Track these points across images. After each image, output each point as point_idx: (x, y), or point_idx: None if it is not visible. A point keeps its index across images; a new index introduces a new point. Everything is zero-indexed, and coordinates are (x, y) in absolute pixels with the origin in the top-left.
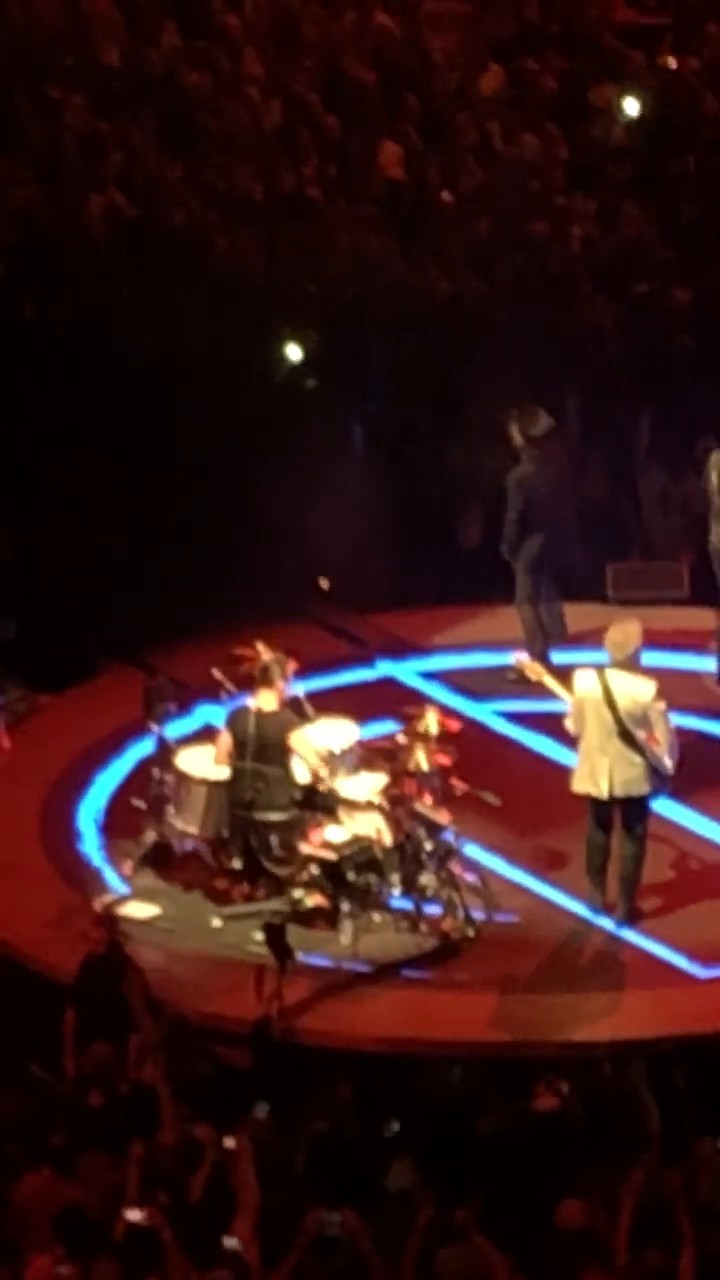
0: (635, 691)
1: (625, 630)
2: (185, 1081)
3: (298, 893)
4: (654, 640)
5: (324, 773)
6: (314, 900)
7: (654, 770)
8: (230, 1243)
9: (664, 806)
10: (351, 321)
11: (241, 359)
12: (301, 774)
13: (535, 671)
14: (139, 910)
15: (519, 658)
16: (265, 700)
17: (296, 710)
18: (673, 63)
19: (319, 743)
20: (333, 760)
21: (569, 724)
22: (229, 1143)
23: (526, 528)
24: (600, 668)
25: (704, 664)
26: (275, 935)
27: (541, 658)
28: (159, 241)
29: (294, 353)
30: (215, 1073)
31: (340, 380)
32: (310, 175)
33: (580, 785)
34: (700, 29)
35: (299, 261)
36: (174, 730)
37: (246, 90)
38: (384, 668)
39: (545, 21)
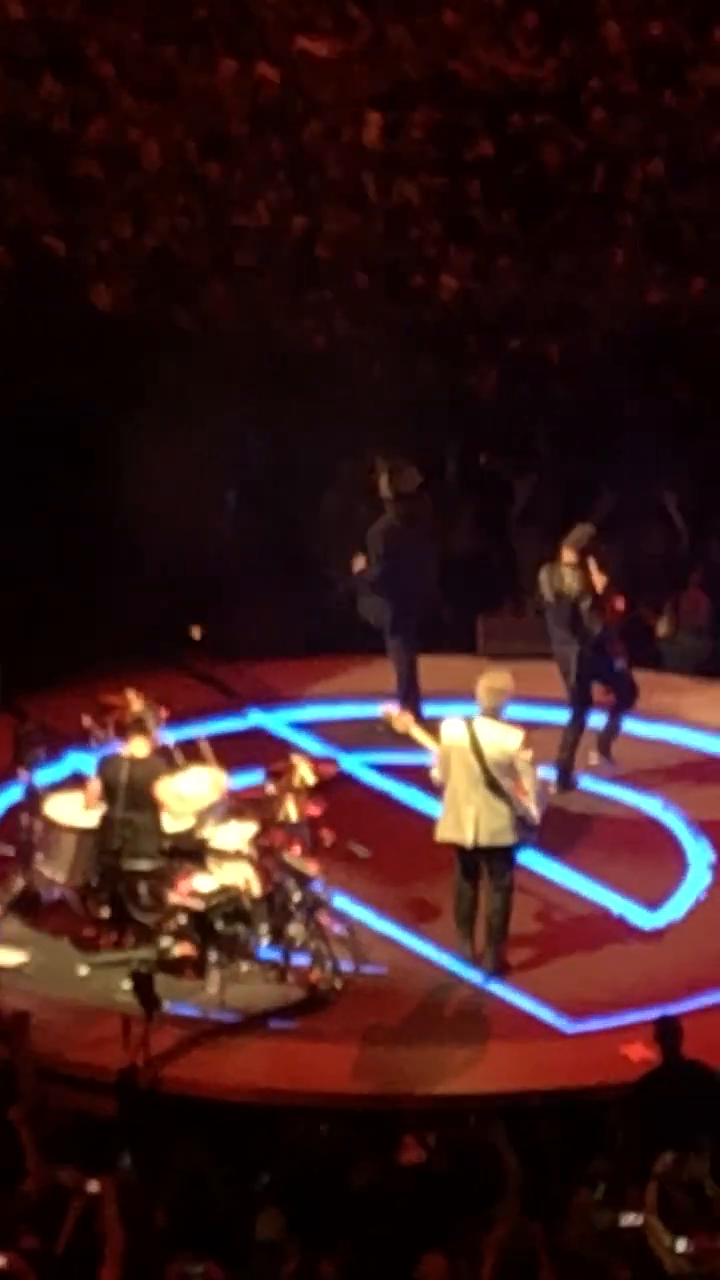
0: (502, 741)
1: (495, 681)
2: (49, 1127)
3: (165, 942)
4: (522, 694)
5: (191, 822)
6: (181, 949)
7: (520, 820)
8: None
9: (531, 859)
10: (229, 369)
11: (116, 403)
12: (171, 823)
13: (402, 723)
14: (5, 957)
15: (387, 709)
16: (137, 748)
17: (166, 759)
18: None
19: (187, 792)
20: (202, 810)
21: (435, 773)
22: (94, 1188)
23: (387, 582)
24: (468, 718)
25: (568, 718)
26: (143, 984)
27: (414, 709)
28: (36, 287)
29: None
30: (79, 1120)
31: (216, 427)
32: (187, 224)
33: (445, 834)
34: (581, 83)
35: (173, 307)
36: (43, 777)
37: (125, 137)
38: (255, 717)
39: (423, 74)
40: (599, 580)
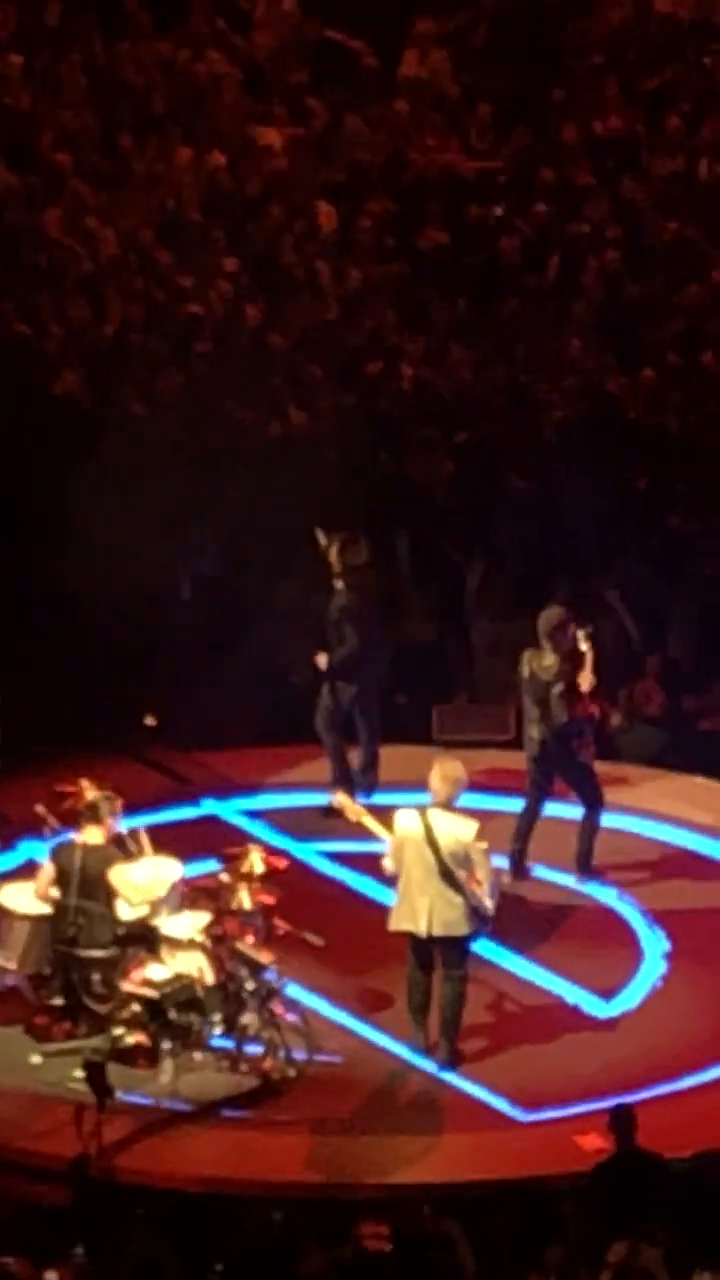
0: (457, 832)
1: (449, 770)
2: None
3: (118, 1030)
4: (476, 782)
5: (145, 911)
6: (135, 1038)
7: (474, 911)
8: None
9: (484, 948)
10: (181, 454)
11: (69, 486)
12: (124, 911)
13: (355, 812)
14: None
15: (338, 797)
16: (91, 835)
17: (121, 847)
18: (498, 210)
19: (141, 880)
20: (155, 898)
21: (387, 863)
22: (50, 1278)
23: (357, 660)
24: (422, 808)
25: (522, 806)
26: (95, 1073)
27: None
28: None
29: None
30: (32, 1209)
31: (170, 513)
32: (139, 313)
33: (398, 923)
34: (532, 176)
35: (130, 399)
36: None
37: (79, 225)
38: (208, 806)
39: (378, 164)
40: (586, 676)
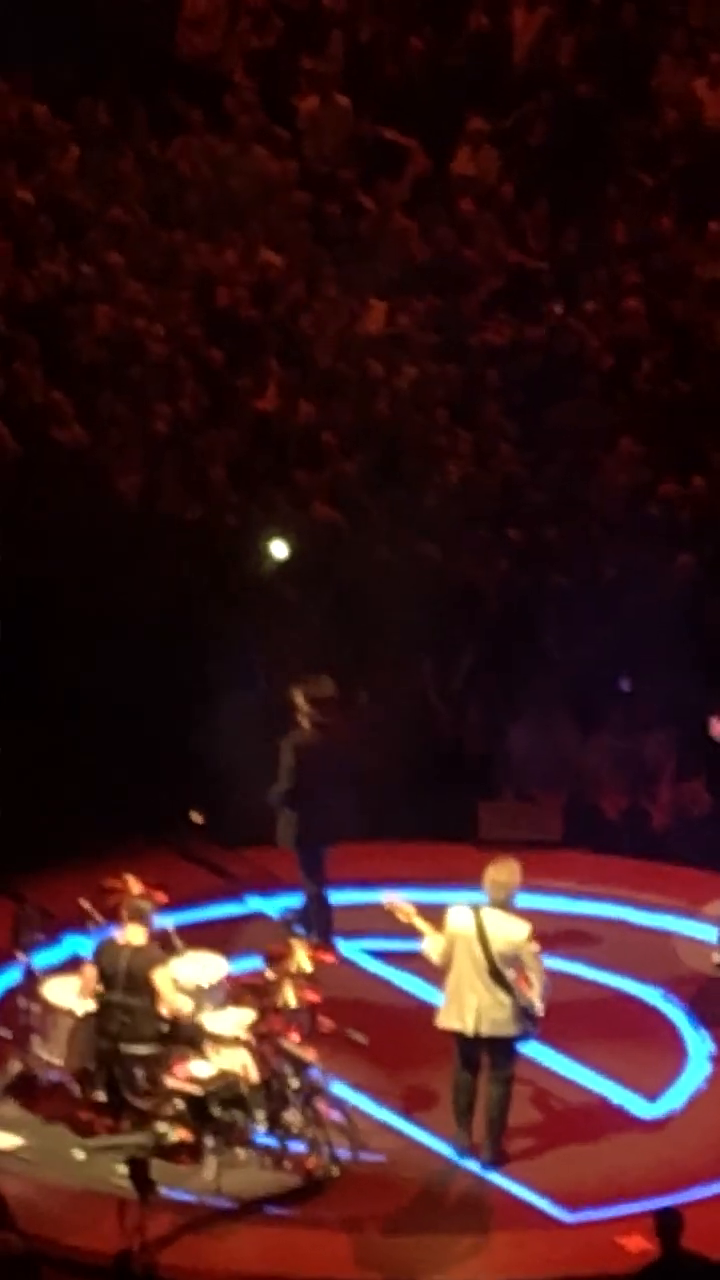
0: (509, 932)
1: (504, 870)
2: None
3: (162, 1127)
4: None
5: (189, 1009)
6: (178, 1135)
7: (523, 1012)
8: None
9: (530, 1048)
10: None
11: (120, 588)
12: (168, 1008)
13: (405, 913)
14: (2, 1140)
15: (389, 897)
16: (134, 934)
17: (164, 944)
18: (558, 309)
19: (186, 978)
20: (200, 995)
21: (431, 953)
22: None
23: (298, 796)
24: (475, 906)
25: (572, 906)
26: (138, 1169)
27: (326, 935)
28: (45, 469)
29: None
30: None
31: (224, 612)
32: (189, 408)
33: (446, 1021)
34: (578, 276)
35: (180, 494)
36: (41, 959)
37: (130, 322)
38: (253, 903)
39: (428, 258)
40: None
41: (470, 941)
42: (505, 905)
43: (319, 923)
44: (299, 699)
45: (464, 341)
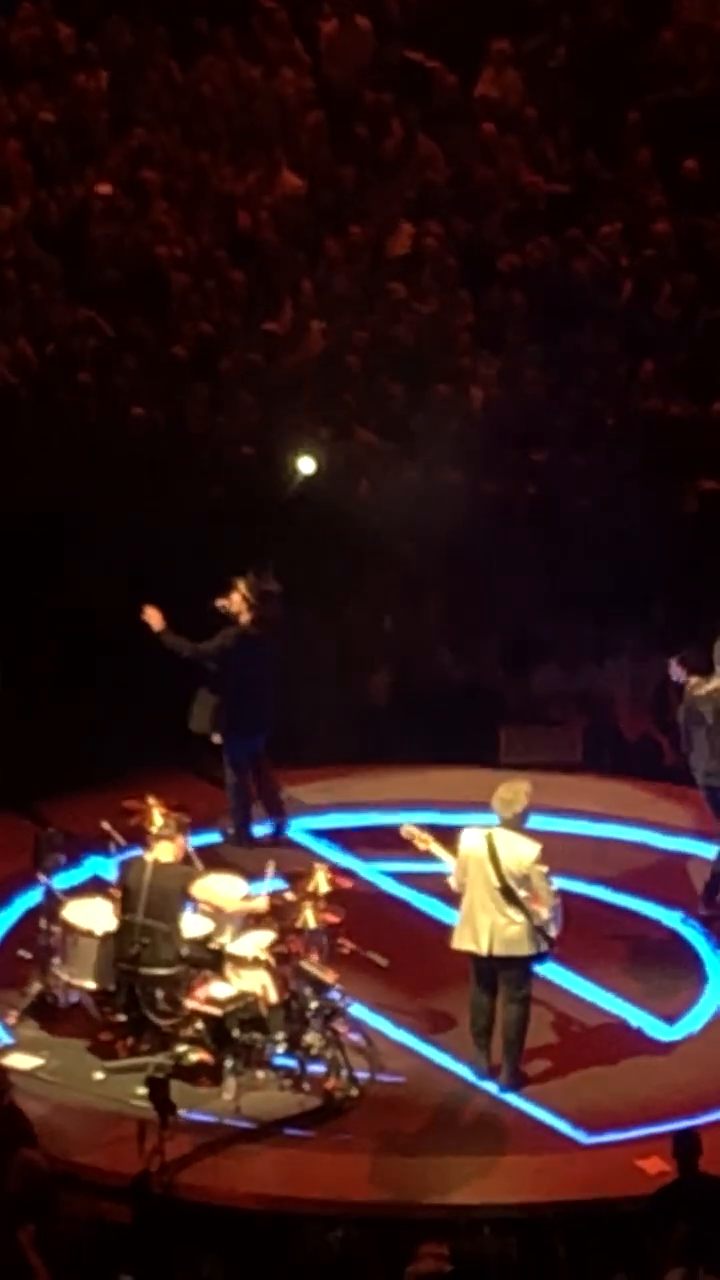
0: (519, 852)
1: (514, 790)
2: (57, 1243)
3: (181, 1048)
4: (542, 804)
5: (234, 908)
6: (198, 1056)
7: (537, 931)
8: None
9: (548, 970)
10: (250, 480)
11: (144, 513)
12: (192, 928)
13: (423, 840)
14: (22, 1061)
15: (406, 826)
16: (163, 852)
17: (188, 864)
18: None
19: (223, 892)
20: (221, 916)
21: (452, 882)
22: None
23: (225, 690)
24: (488, 827)
25: (591, 829)
26: (158, 1090)
27: (242, 828)
28: (65, 391)
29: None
30: (89, 1230)
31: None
32: (212, 332)
33: (460, 943)
34: (600, 199)
35: (204, 421)
36: (62, 881)
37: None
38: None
39: (451, 184)
40: None
41: (482, 862)
42: (516, 825)
43: (236, 815)
44: (243, 590)
45: (489, 266)
